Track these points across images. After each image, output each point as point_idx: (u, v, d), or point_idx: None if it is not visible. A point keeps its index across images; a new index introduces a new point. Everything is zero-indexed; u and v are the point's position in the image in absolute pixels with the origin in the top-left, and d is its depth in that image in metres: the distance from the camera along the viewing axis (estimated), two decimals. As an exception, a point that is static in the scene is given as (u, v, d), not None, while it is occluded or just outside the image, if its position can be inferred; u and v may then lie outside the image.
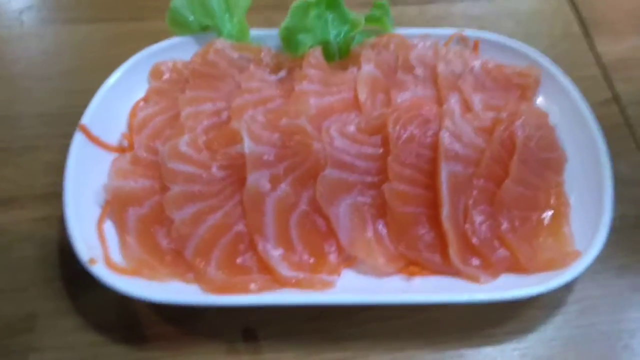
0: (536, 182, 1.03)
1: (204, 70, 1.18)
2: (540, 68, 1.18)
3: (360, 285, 0.96)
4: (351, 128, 1.05)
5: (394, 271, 0.97)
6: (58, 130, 1.19)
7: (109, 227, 0.99)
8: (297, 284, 0.94)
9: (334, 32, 1.22)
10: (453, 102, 1.09)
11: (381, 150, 1.03)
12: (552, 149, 1.07)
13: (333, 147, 1.02)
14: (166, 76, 1.20)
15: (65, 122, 1.12)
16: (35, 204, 1.12)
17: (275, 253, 0.96)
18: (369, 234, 0.99)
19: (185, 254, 0.96)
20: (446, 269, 0.97)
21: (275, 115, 1.06)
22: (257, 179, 0.99)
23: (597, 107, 1.11)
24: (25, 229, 1.09)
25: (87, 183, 1.02)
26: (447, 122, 1.03)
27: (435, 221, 0.99)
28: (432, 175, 1.01)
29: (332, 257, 0.98)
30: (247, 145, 1.00)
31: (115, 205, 1.01)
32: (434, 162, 1.01)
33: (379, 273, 0.97)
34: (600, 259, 0.94)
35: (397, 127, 1.03)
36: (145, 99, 1.17)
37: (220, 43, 1.21)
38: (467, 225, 0.97)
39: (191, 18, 1.24)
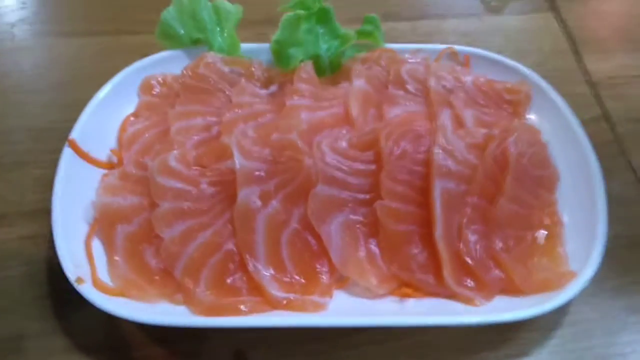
0: (530, 200, 1.02)
1: (194, 84, 1.17)
2: (531, 84, 1.18)
3: (353, 308, 0.95)
4: (343, 143, 1.04)
5: (386, 293, 0.96)
6: (48, 145, 1.17)
7: (97, 245, 0.98)
8: (289, 306, 0.93)
9: (324, 47, 1.22)
10: (445, 118, 1.08)
11: (373, 167, 1.02)
12: (545, 166, 1.07)
13: (324, 162, 1.00)
14: (156, 90, 1.19)
15: (55, 136, 1.09)
16: (23, 221, 1.10)
17: (265, 273, 0.94)
18: (361, 253, 0.97)
19: (174, 273, 0.94)
20: (440, 290, 0.95)
21: (266, 130, 1.05)
22: (248, 196, 0.97)
23: (587, 124, 1.10)
24: (13, 247, 1.07)
25: (75, 200, 1.00)
26: (439, 138, 1.02)
27: (428, 240, 0.97)
28: (424, 192, 1.00)
29: (324, 278, 0.96)
30: (238, 161, 0.99)
31: (103, 223, 0.99)
32: (426, 179, 1.00)
33: (371, 295, 0.96)
34: (593, 281, 0.93)
35: (390, 143, 1.01)
36: (135, 114, 1.16)
37: (211, 57, 1.19)
38: (461, 245, 0.96)
39: (181, 31, 1.22)
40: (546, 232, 1.00)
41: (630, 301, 1.03)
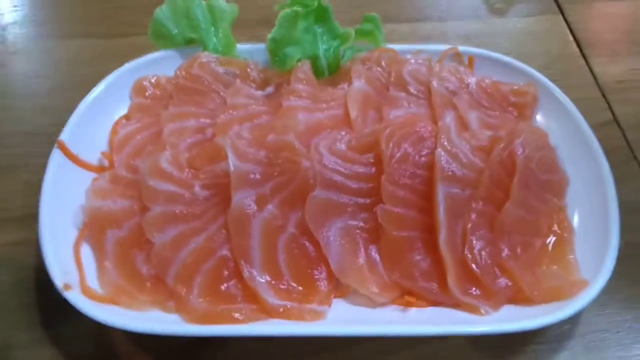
0: (537, 205, 0.98)
1: (188, 85, 1.13)
2: (538, 86, 1.15)
3: (353, 317, 0.91)
4: (342, 145, 1.00)
5: (388, 301, 0.92)
6: (38, 149, 1.15)
7: (87, 251, 0.95)
8: (285, 314, 0.89)
9: (323, 47, 1.18)
10: (449, 120, 1.04)
11: (374, 170, 0.98)
12: (553, 170, 1.03)
13: (322, 165, 0.96)
14: (149, 92, 1.15)
15: (46, 140, 1.07)
16: (12, 226, 1.07)
17: (261, 280, 0.91)
18: (361, 260, 0.94)
19: (166, 280, 0.91)
20: (444, 299, 0.91)
21: (262, 131, 1.01)
22: (243, 199, 0.94)
23: (597, 129, 1.07)
24: (1, 254, 1.04)
25: (65, 204, 0.97)
26: (443, 141, 0.98)
27: (431, 247, 0.94)
28: (428, 197, 0.96)
29: (322, 285, 0.92)
30: (232, 163, 0.95)
31: (93, 228, 0.96)
32: (429, 183, 0.97)
33: (372, 304, 0.92)
34: (605, 291, 0.89)
35: (391, 145, 0.98)
36: (127, 116, 1.12)
37: (205, 57, 1.16)
38: (466, 252, 0.92)
39: (175, 31, 1.19)
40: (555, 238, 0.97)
41: (644, 312, 0.99)
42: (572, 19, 1.45)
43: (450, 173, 0.96)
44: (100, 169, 1.05)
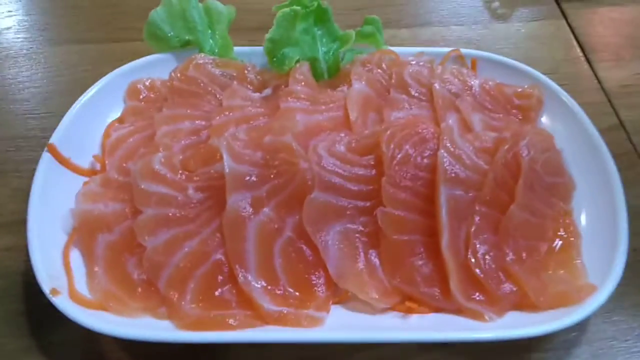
0: (543, 209, 0.96)
1: (183, 87, 1.11)
2: (543, 88, 1.12)
3: (352, 324, 0.88)
4: (341, 147, 0.98)
5: (388, 308, 0.89)
6: (29, 155, 1.14)
7: (76, 256, 0.93)
8: (282, 320, 0.86)
9: (323, 50, 1.16)
10: (451, 122, 1.02)
11: (374, 172, 0.96)
12: (559, 173, 1.01)
13: (321, 167, 0.94)
14: (143, 95, 1.13)
15: (37, 145, 1.07)
16: (1, 232, 1.04)
17: (257, 285, 0.88)
18: (361, 265, 0.91)
19: (158, 285, 0.88)
20: (446, 305, 0.89)
21: (259, 132, 0.99)
22: (238, 202, 0.91)
23: (603, 134, 1.05)
24: (-11, 259, 1.01)
25: (54, 208, 0.95)
26: (445, 142, 0.96)
27: (433, 251, 0.91)
28: (430, 199, 0.94)
29: (320, 291, 0.90)
30: (227, 164, 0.92)
31: (83, 232, 0.93)
32: (432, 185, 0.94)
33: (372, 310, 0.89)
34: (612, 297, 0.86)
35: (392, 147, 0.95)
36: (120, 120, 1.10)
37: (202, 58, 1.14)
38: (469, 256, 0.89)
39: (170, 33, 1.17)
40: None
41: (652, 319, 0.97)
42: (576, 24, 1.43)
43: (453, 175, 0.93)
44: (92, 172, 1.02)
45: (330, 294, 0.90)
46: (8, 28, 1.42)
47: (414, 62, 1.14)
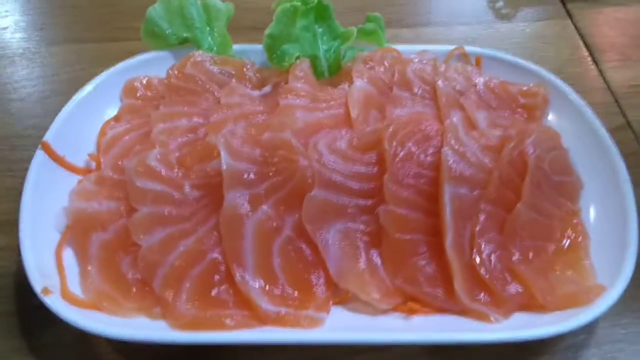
0: (550, 208, 0.94)
1: (180, 85, 1.09)
2: (550, 87, 1.10)
3: (353, 325, 0.86)
4: (342, 144, 0.96)
5: (390, 308, 0.87)
6: (23, 154, 1.12)
7: (70, 255, 0.91)
8: (280, 321, 0.84)
9: (323, 47, 1.14)
10: (455, 119, 0.99)
11: (376, 169, 0.94)
12: (566, 172, 0.98)
13: (321, 164, 0.92)
14: (140, 93, 1.11)
15: (31, 144, 1.05)
16: (-7, 232, 1.03)
17: (254, 285, 0.86)
18: (362, 264, 0.89)
19: (153, 284, 0.86)
20: (450, 305, 0.87)
21: (257, 129, 0.97)
22: (235, 199, 0.89)
23: (611, 134, 1.02)
24: (-20, 260, 1.00)
25: (48, 206, 0.93)
26: (450, 139, 0.94)
27: (437, 250, 0.89)
28: (433, 198, 0.92)
29: (320, 291, 0.88)
30: (225, 161, 0.91)
31: (77, 230, 0.91)
32: (435, 183, 0.92)
33: (373, 311, 0.87)
34: (621, 299, 0.84)
35: (394, 144, 0.93)
36: (117, 118, 1.08)
37: (200, 55, 1.12)
38: (474, 256, 0.87)
39: (168, 30, 1.15)
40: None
41: (663, 322, 0.95)
42: (581, 24, 1.42)
43: (457, 173, 0.91)
44: (86, 171, 1.01)
45: (330, 294, 0.88)
46: (5, 28, 1.41)
47: (417, 60, 1.12)
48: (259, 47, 1.12)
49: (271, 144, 0.93)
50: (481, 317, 0.85)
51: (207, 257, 0.88)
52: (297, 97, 1.03)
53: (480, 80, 1.10)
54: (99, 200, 0.93)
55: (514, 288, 0.87)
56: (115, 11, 1.45)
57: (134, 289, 0.87)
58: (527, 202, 0.91)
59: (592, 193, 0.98)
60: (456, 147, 0.93)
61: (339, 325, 0.85)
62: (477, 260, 0.87)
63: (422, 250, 0.89)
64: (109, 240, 0.91)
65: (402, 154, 0.93)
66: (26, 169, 0.95)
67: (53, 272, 0.87)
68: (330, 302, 0.87)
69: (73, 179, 0.99)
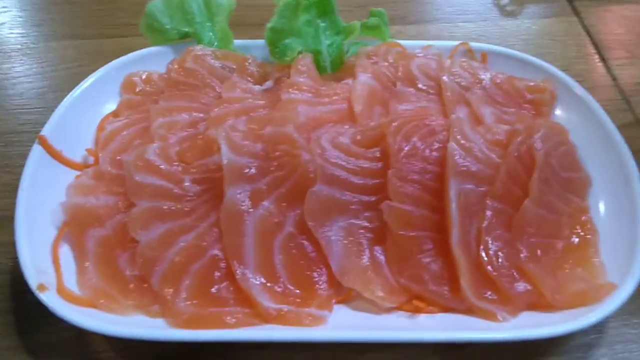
0: (558, 205, 0.92)
1: (180, 80, 1.07)
2: (557, 83, 1.09)
3: (356, 324, 0.85)
4: (345, 139, 0.94)
5: (395, 307, 0.86)
6: (21, 150, 1.11)
7: (66, 251, 0.90)
8: (281, 319, 0.83)
9: (326, 43, 1.12)
10: (461, 114, 0.98)
11: (380, 165, 0.92)
12: (574, 168, 0.97)
13: (324, 159, 0.90)
14: (139, 88, 1.10)
15: (28, 140, 1.04)
16: (-12, 229, 1.01)
17: (255, 282, 0.84)
18: (365, 261, 0.87)
19: (151, 281, 0.84)
20: (456, 304, 0.85)
21: (259, 123, 0.95)
22: (236, 195, 0.88)
23: (619, 131, 1.01)
24: (-24, 257, 0.98)
25: (45, 202, 0.92)
26: (456, 134, 0.92)
27: (442, 248, 0.88)
28: (438, 194, 0.90)
29: (323, 289, 0.86)
30: (225, 155, 0.89)
31: (74, 226, 0.90)
32: (440, 179, 0.90)
33: (377, 309, 0.86)
34: (632, 298, 0.83)
35: (399, 138, 0.92)
36: (115, 113, 1.07)
37: (200, 49, 1.10)
38: (481, 253, 0.85)
39: (168, 25, 1.14)
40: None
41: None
42: (588, 21, 1.41)
43: (463, 168, 0.90)
44: (84, 166, 0.99)
45: (333, 292, 0.86)
46: (2, 24, 1.41)
47: (421, 55, 1.11)
48: (261, 42, 1.11)
49: (273, 138, 0.92)
50: (488, 315, 0.83)
51: (207, 254, 0.87)
52: (300, 91, 1.02)
53: (486, 76, 1.08)
54: (97, 196, 0.92)
55: (522, 286, 0.85)
56: (114, 7, 1.45)
57: (132, 286, 0.86)
58: (535, 198, 0.89)
59: (601, 190, 0.97)
60: (462, 142, 0.92)
61: (342, 324, 0.84)
62: (484, 257, 0.85)
63: (427, 248, 0.88)
64: (107, 236, 0.89)
65: (406, 149, 0.91)
66: (23, 165, 0.94)
67: (49, 268, 0.86)
68: (333, 301, 0.86)
69: (70, 175, 0.97)
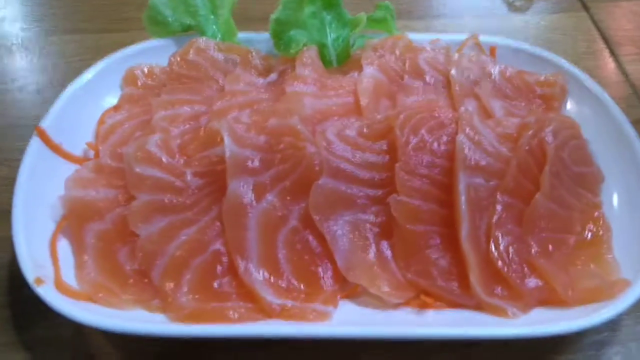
0: (570, 200, 0.91)
1: (183, 72, 1.06)
2: (567, 77, 1.07)
3: (362, 319, 0.83)
4: (351, 132, 0.92)
5: (402, 303, 0.84)
6: (19, 144, 1.07)
7: (65, 245, 0.88)
8: (285, 314, 0.81)
9: (332, 36, 1.10)
10: (470, 107, 0.96)
11: (387, 158, 0.90)
12: (586, 163, 0.96)
13: (330, 152, 0.89)
14: (140, 81, 1.08)
15: (28, 135, 1.00)
16: (-14, 224, 1.01)
17: (258, 276, 0.83)
18: (372, 256, 0.86)
19: (152, 276, 0.83)
20: (465, 300, 0.84)
21: (263, 115, 0.93)
22: (239, 188, 0.86)
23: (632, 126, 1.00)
24: (-24, 251, 0.98)
25: (43, 195, 0.91)
26: (465, 127, 0.90)
27: (451, 243, 0.86)
28: (447, 188, 0.88)
29: (328, 284, 0.85)
30: (228, 147, 0.87)
31: (73, 219, 0.88)
32: (449, 173, 0.89)
33: (383, 305, 0.84)
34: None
35: (406, 131, 0.90)
36: (117, 107, 1.05)
37: (203, 42, 1.09)
38: (491, 248, 0.84)
39: (171, 17, 1.12)
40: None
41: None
42: (598, 17, 1.40)
43: (473, 162, 0.88)
44: (84, 160, 0.98)
45: (338, 287, 0.85)
46: (3, 18, 1.40)
47: (429, 48, 1.10)
48: (265, 35, 1.10)
49: (277, 130, 0.90)
50: (498, 312, 0.82)
51: (209, 248, 0.85)
52: (305, 84, 1.00)
53: (495, 70, 1.07)
54: (96, 188, 0.91)
55: (533, 282, 0.84)
56: (116, 2, 1.44)
57: (132, 281, 0.85)
58: (546, 192, 0.88)
59: (614, 185, 0.95)
60: (471, 135, 0.90)
61: (348, 320, 0.82)
62: (495, 252, 0.84)
63: (435, 242, 0.86)
64: (106, 230, 0.88)
65: (414, 141, 0.90)
66: (22, 159, 0.93)
67: (47, 262, 0.85)
68: (339, 296, 0.85)
69: (70, 169, 0.96)
